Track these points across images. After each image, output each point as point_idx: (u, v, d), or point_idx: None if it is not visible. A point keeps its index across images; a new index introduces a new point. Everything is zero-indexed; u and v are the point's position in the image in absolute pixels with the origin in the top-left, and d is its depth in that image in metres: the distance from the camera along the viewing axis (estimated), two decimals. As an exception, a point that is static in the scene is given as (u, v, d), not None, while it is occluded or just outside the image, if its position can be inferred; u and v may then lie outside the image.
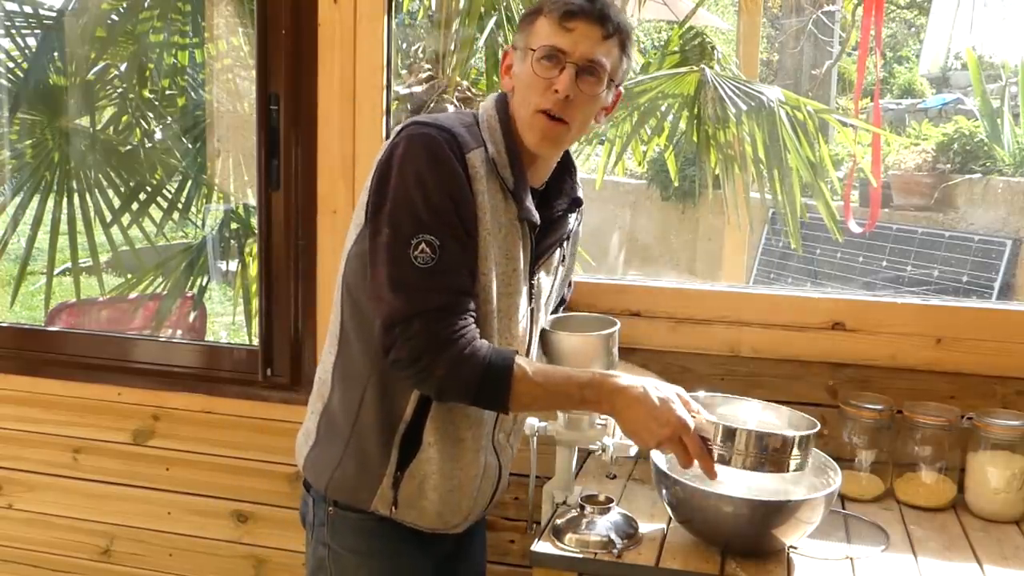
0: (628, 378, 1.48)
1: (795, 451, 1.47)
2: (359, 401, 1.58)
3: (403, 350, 1.45)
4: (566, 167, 1.70)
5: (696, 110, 3.17)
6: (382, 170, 1.50)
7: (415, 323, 1.44)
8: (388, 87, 2.21)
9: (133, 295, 3.40)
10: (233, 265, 3.47)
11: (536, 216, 1.58)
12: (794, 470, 1.49)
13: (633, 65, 1.65)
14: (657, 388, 1.47)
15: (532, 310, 1.64)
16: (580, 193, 1.72)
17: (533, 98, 1.53)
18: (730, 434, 1.45)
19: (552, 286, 1.72)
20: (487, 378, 1.45)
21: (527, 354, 1.66)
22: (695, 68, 3.26)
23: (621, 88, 1.64)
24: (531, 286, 1.63)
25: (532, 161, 1.60)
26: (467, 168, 1.50)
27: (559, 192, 1.68)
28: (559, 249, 1.69)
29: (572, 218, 1.70)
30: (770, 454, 1.45)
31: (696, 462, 1.47)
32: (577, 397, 1.48)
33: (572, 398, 1.50)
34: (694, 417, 1.47)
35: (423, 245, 1.45)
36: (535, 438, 1.73)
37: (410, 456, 1.59)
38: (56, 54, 3.25)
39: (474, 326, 1.48)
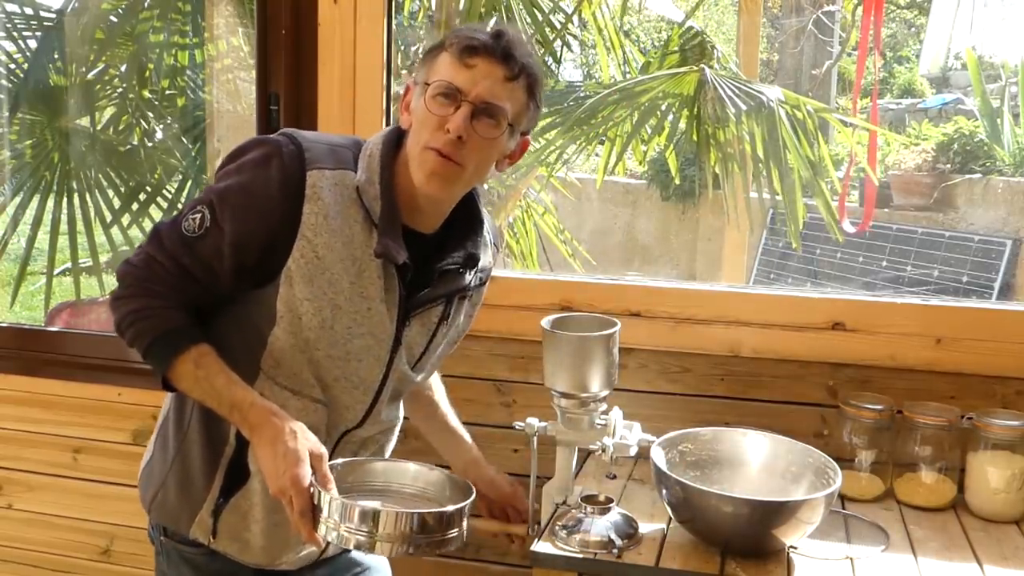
0: (278, 419, 1.38)
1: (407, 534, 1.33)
2: (188, 419, 1.53)
3: (122, 267, 1.45)
4: (472, 223, 1.57)
5: (696, 110, 3.17)
6: (223, 160, 1.48)
7: (142, 256, 1.44)
8: (388, 87, 2.22)
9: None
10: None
11: (397, 255, 1.44)
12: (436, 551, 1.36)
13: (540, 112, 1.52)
14: (294, 438, 1.35)
15: (391, 360, 1.53)
16: (485, 255, 1.59)
17: (424, 135, 1.43)
18: (367, 516, 1.33)
19: (428, 345, 1.57)
20: (160, 339, 1.42)
21: (373, 408, 1.56)
22: (695, 68, 3.26)
23: (529, 138, 1.53)
24: (398, 334, 1.52)
25: (416, 203, 1.48)
26: (303, 185, 1.41)
27: (459, 246, 1.55)
28: (443, 307, 1.56)
29: (468, 277, 1.56)
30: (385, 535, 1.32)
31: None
32: (225, 411, 1.42)
33: (222, 408, 1.42)
34: (314, 486, 1.33)
35: (199, 216, 1.42)
36: (535, 438, 1.73)
37: (236, 486, 1.52)
38: (56, 54, 3.25)
39: (183, 306, 1.44)
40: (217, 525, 1.53)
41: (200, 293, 1.45)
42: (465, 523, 1.39)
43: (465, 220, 1.57)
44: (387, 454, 1.69)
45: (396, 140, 1.50)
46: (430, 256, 1.52)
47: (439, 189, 1.46)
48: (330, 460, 1.51)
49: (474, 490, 1.44)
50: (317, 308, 1.45)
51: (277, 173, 1.41)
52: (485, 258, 1.60)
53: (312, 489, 1.33)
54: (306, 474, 1.33)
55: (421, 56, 1.51)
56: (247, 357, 1.48)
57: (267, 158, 1.42)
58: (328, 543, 1.35)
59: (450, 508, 1.38)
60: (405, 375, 1.58)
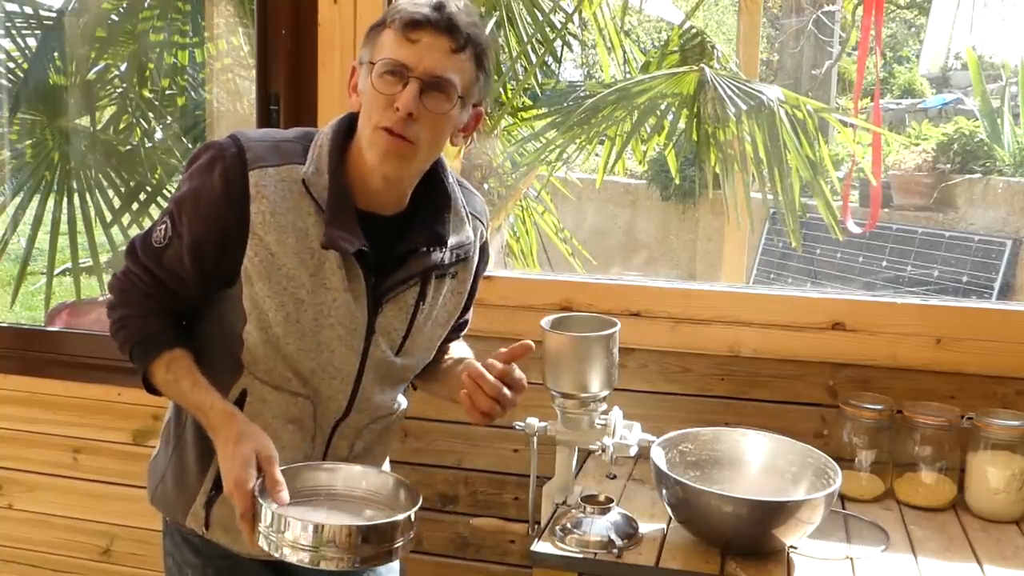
0: (234, 422, 1.40)
1: (349, 544, 1.28)
2: (185, 414, 1.56)
3: (110, 279, 1.54)
4: (439, 200, 1.54)
5: (696, 109, 3.16)
6: (186, 165, 1.54)
7: (123, 268, 1.52)
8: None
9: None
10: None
11: (347, 245, 1.43)
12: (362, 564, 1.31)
13: (492, 81, 1.51)
14: (244, 441, 1.37)
15: (367, 347, 1.52)
16: (460, 230, 1.56)
17: (374, 115, 1.41)
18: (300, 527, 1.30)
19: (409, 328, 1.54)
20: (137, 346, 1.50)
21: (355, 395, 1.54)
22: (695, 67, 3.25)
23: (482, 109, 1.51)
24: (371, 322, 1.50)
25: (372, 186, 1.46)
26: (246, 186, 1.43)
27: (423, 226, 1.52)
28: (418, 288, 1.53)
29: (438, 255, 1.52)
30: (319, 548, 1.28)
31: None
32: (193, 412, 1.48)
33: (190, 410, 1.49)
34: (257, 497, 1.32)
35: (164, 227, 1.48)
36: (535, 438, 1.73)
37: None
38: (56, 54, 3.25)
39: (160, 312, 1.51)
40: (209, 517, 1.55)
41: (175, 300, 1.51)
42: (412, 532, 1.35)
43: (431, 198, 1.55)
44: (386, 443, 1.69)
45: (348, 126, 1.50)
46: (397, 238, 1.51)
47: (394, 168, 1.44)
48: (325, 455, 1.53)
49: (420, 496, 1.39)
50: (280, 303, 1.46)
51: (219, 177, 1.44)
52: (462, 233, 1.57)
53: (256, 493, 1.33)
54: (249, 477, 1.34)
55: (365, 34, 1.48)
56: (229, 355, 1.51)
57: (212, 163, 1.46)
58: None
59: (386, 520, 1.32)
60: (387, 362, 1.56)
